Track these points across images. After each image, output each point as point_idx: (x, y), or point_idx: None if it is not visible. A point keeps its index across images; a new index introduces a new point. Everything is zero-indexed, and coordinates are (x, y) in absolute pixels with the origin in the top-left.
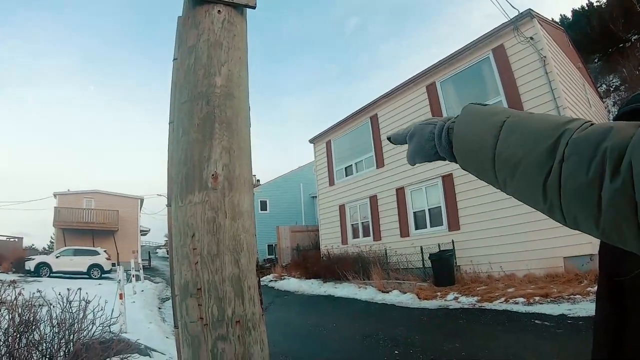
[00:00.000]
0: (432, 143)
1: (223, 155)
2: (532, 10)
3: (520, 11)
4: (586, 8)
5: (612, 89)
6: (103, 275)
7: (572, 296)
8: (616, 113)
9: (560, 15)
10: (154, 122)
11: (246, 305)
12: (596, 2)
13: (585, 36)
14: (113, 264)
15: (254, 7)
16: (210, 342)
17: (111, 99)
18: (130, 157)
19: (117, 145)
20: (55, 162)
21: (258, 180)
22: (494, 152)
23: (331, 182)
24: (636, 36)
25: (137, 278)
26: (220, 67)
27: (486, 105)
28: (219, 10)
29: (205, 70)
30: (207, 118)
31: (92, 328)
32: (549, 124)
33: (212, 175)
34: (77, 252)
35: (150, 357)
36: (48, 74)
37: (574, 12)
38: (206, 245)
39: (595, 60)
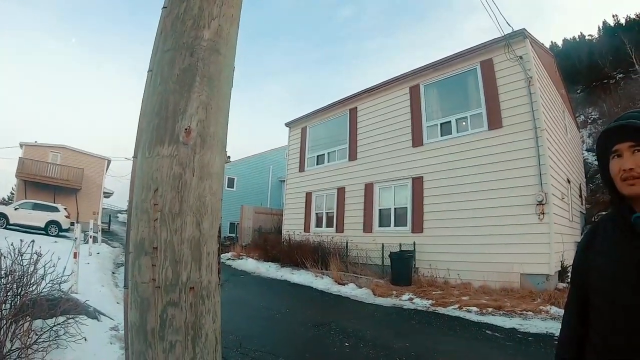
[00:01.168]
0: None
1: (199, 111)
2: (526, 30)
3: (515, 29)
4: (577, 39)
5: (589, 121)
6: (60, 233)
7: (524, 312)
8: (606, 126)
9: (551, 42)
10: (131, 82)
11: (203, 271)
12: (588, 35)
13: (572, 66)
14: (72, 223)
15: None
16: (160, 307)
17: (92, 54)
18: (102, 116)
19: (92, 103)
20: (26, 111)
21: (229, 157)
22: None
23: (301, 169)
24: (621, 75)
25: (95, 240)
26: (211, 20)
27: None
28: None
29: (194, 21)
30: (188, 69)
31: (41, 283)
32: None
33: (185, 129)
34: (36, 207)
35: (98, 320)
36: (30, 22)
37: (565, 41)
38: (168, 202)
39: (578, 91)
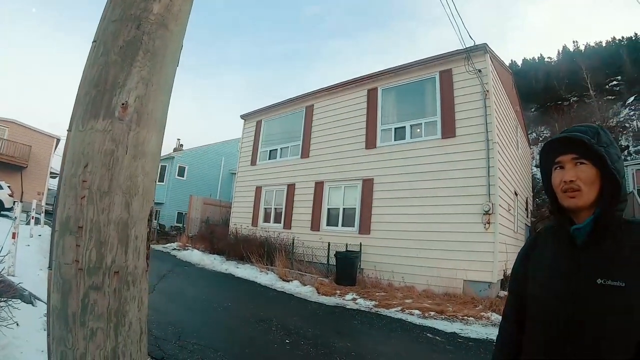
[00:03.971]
0: None
1: (139, 86)
2: (487, 45)
3: (477, 43)
4: (537, 60)
5: (540, 139)
6: (2, 213)
7: (465, 317)
8: (551, 138)
9: (511, 60)
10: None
11: (129, 256)
12: (547, 58)
13: (529, 85)
14: (15, 202)
15: None
16: (82, 290)
17: (52, 28)
18: (58, 92)
19: (46, 76)
20: None
21: (181, 145)
22: None
23: (253, 162)
24: (575, 98)
25: (37, 221)
26: None
27: None
28: None
29: None
30: (132, 42)
31: None
32: None
33: (122, 104)
34: None
35: (33, 305)
36: None
37: (525, 61)
38: (98, 179)
39: (532, 110)
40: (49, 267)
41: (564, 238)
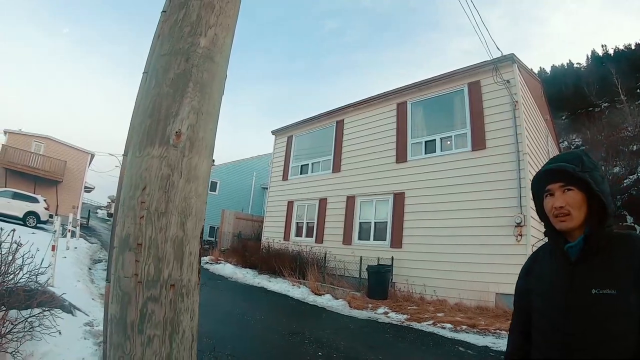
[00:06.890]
0: None
1: (191, 115)
2: (514, 55)
3: (504, 53)
4: (566, 67)
5: (572, 147)
6: (38, 225)
7: (498, 331)
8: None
9: (540, 68)
10: (121, 80)
11: (184, 270)
12: (577, 64)
13: (558, 92)
14: (50, 215)
15: None
16: (141, 301)
17: (83, 47)
18: (89, 110)
19: (80, 94)
20: (11, 98)
21: (213, 160)
22: None
23: (285, 177)
24: (606, 104)
25: (73, 234)
26: (208, 29)
27: None
28: None
29: (192, 28)
30: (182, 75)
31: (19, 274)
32: None
33: (176, 132)
34: (16, 196)
35: (73, 315)
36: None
37: (553, 68)
38: (155, 201)
39: (563, 117)
40: (107, 280)
41: (559, 255)
